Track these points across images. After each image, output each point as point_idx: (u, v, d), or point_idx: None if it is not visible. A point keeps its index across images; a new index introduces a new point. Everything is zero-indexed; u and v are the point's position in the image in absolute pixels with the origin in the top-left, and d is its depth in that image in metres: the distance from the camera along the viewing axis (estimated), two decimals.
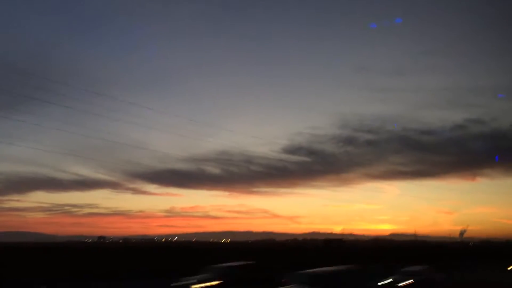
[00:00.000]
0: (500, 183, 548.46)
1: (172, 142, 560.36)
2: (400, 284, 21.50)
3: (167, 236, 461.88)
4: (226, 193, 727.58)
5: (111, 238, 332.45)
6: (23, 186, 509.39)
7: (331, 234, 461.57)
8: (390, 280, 21.60)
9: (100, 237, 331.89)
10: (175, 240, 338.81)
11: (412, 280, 21.90)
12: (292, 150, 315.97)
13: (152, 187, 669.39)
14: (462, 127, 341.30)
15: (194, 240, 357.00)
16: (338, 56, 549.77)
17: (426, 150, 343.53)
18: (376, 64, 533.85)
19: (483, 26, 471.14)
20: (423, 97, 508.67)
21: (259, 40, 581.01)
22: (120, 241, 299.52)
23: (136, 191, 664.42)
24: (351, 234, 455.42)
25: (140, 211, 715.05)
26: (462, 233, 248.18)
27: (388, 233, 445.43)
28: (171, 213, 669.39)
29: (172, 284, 19.78)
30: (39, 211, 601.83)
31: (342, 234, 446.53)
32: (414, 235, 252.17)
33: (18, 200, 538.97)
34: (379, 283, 19.80)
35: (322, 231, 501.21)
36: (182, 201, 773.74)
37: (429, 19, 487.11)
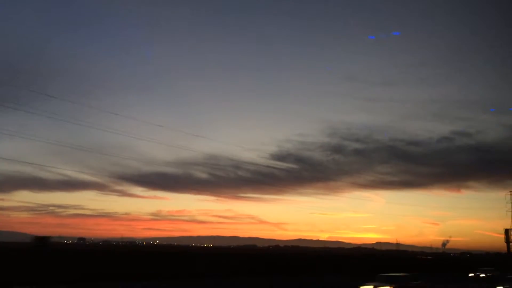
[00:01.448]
0: (484, 196, 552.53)
1: (160, 145, 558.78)
2: None
3: (153, 239, 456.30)
4: (213, 198, 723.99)
5: (91, 240, 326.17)
6: (7, 185, 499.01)
7: (317, 241, 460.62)
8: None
9: (80, 239, 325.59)
10: (156, 244, 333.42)
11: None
12: (280, 157, 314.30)
13: (138, 190, 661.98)
14: (448, 139, 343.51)
15: (176, 244, 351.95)
16: (328, 65, 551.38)
17: (413, 160, 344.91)
18: (366, 74, 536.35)
19: (471, 40, 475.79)
20: (411, 108, 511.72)
21: (250, 47, 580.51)
22: (101, 243, 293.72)
23: (122, 193, 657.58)
24: (337, 242, 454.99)
25: (126, 214, 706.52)
26: (444, 244, 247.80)
27: (373, 241, 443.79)
28: (157, 216, 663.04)
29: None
30: (23, 211, 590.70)
31: (328, 242, 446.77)
32: (396, 245, 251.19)
33: (2, 199, 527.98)
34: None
35: (308, 238, 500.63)
36: (169, 205, 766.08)
37: (418, 31, 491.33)
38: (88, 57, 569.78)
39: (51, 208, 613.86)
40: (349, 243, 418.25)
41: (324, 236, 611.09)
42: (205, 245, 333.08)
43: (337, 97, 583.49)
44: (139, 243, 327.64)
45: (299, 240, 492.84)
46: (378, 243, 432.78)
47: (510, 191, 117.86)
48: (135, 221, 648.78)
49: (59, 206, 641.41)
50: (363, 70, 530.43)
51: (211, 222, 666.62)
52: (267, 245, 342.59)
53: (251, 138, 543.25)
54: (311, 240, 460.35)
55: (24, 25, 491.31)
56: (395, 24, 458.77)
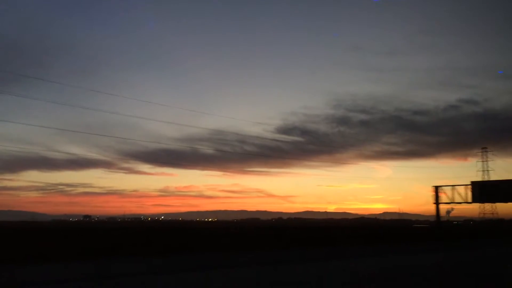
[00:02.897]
0: (491, 163, 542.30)
1: (166, 122, 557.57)
2: None
3: (162, 215, 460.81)
4: (220, 173, 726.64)
5: (96, 217, 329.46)
6: (16, 165, 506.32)
7: (325, 213, 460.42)
8: None
9: (86, 216, 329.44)
10: (161, 219, 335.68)
11: None
12: (286, 130, 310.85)
13: (146, 167, 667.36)
14: (455, 107, 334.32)
15: (180, 219, 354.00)
16: (332, 36, 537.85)
17: (419, 130, 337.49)
18: (370, 44, 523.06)
19: (477, 6, 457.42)
20: (417, 77, 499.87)
21: (254, 21, 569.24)
22: (106, 220, 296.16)
23: (130, 171, 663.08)
24: (344, 213, 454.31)
25: (134, 191, 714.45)
26: (449, 212, 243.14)
27: (381, 211, 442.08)
28: (165, 193, 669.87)
29: None
30: (32, 190, 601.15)
31: (335, 213, 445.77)
32: (399, 214, 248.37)
33: (11, 179, 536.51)
34: None
35: (316, 210, 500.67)
36: (176, 181, 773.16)
37: None
38: (92, 36, 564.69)
39: (60, 187, 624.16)
40: (356, 214, 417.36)
41: (331, 208, 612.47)
42: (210, 219, 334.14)
43: (342, 68, 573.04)
44: (144, 219, 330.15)
45: (307, 212, 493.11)
46: (385, 213, 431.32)
47: (482, 148, 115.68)
48: (144, 197, 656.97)
49: (67, 185, 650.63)
50: (368, 39, 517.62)
51: (219, 197, 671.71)
52: (276, 217, 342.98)
53: (256, 112, 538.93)
54: (319, 212, 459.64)
55: (24, 7, 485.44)
56: None
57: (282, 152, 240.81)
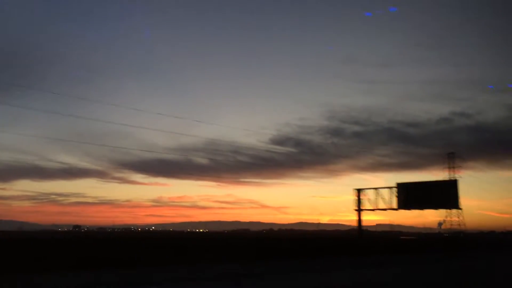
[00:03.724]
0: (483, 176, 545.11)
1: (160, 132, 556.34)
2: None
3: (155, 225, 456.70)
4: (214, 183, 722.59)
5: (86, 228, 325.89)
6: (8, 174, 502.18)
7: (318, 224, 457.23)
8: None
9: (75, 226, 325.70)
10: (152, 230, 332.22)
11: None
12: (280, 141, 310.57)
13: (139, 177, 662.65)
14: (447, 120, 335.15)
15: (171, 230, 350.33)
16: (326, 47, 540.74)
17: (412, 142, 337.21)
18: (364, 55, 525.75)
19: (470, 19, 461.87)
20: (410, 89, 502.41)
21: (248, 31, 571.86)
22: (95, 230, 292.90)
23: (123, 181, 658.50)
24: (337, 225, 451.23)
25: (127, 201, 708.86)
26: (440, 224, 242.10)
27: (374, 223, 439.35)
28: (158, 203, 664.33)
29: None
30: (24, 200, 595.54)
31: (328, 225, 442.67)
32: (390, 226, 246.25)
33: (2, 189, 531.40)
34: None
35: (309, 221, 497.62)
36: (170, 191, 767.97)
37: (417, 12, 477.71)
38: (85, 44, 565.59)
39: (52, 196, 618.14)
40: (349, 225, 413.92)
41: (325, 219, 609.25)
42: (201, 230, 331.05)
43: (336, 80, 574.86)
44: (134, 229, 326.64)
45: (300, 223, 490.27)
46: (377, 225, 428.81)
47: (449, 153, 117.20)
48: (137, 208, 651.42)
49: (60, 195, 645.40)
50: (361, 51, 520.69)
51: (212, 208, 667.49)
52: (269, 228, 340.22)
53: (250, 123, 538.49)
54: (312, 223, 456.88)
55: (16, 16, 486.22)
56: (394, 4, 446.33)
57: (276, 163, 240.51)
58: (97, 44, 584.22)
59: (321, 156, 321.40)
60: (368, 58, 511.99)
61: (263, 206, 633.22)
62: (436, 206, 36.60)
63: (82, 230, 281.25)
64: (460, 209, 32.29)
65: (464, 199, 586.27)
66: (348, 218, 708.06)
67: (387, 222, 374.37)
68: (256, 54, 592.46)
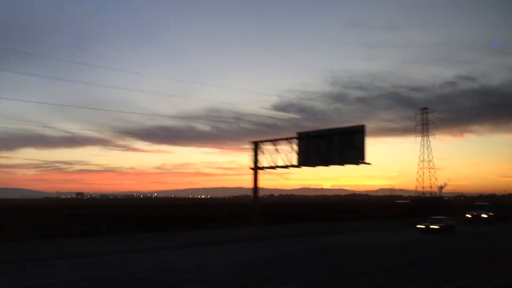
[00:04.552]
0: (487, 139, 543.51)
1: (161, 99, 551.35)
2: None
3: (160, 192, 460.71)
4: (217, 150, 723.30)
5: (89, 195, 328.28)
6: (12, 143, 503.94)
7: (321, 189, 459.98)
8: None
9: (78, 194, 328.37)
10: (154, 196, 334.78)
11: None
12: (282, 107, 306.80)
13: (142, 144, 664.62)
14: (452, 83, 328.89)
15: (172, 196, 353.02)
16: (328, 11, 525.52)
17: (416, 106, 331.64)
18: (367, 19, 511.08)
19: None
20: (413, 53, 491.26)
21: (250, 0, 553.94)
22: (98, 197, 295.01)
23: (126, 148, 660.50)
24: (340, 190, 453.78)
25: (131, 168, 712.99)
26: (441, 188, 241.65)
27: (377, 188, 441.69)
28: (162, 170, 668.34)
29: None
30: (29, 168, 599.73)
31: (331, 190, 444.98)
32: (390, 190, 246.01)
33: (7, 157, 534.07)
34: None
35: (311, 187, 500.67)
36: (173, 158, 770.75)
37: None
38: (83, 10, 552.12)
39: (56, 164, 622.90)
40: (351, 191, 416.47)
41: (327, 185, 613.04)
42: (203, 196, 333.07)
43: (338, 45, 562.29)
44: (136, 196, 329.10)
45: (303, 189, 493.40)
46: (380, 190, 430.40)
47: (422, 109, 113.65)
48: (141, 175, 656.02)
49: (64, 162, 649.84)
50: (364, 14, 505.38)
51: (216, 174, 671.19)
52: (269, 194, 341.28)
53: (253, 89, 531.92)
54: (315, 189, 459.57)
55: None
56: None
57: (278, 129, 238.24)
58: (93, 11, 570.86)
59: (324, 121, 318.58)
60: (371, 21, 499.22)
61: (266, 172, 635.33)
62: (340, 161, 27.76)
63: (85, 198, 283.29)
64: (367, 163, 24.56)
65: (468, 163, 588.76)
66: (351, 183, 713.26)
67: (389, 187, 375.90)
68: (258, 21, 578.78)
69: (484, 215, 41.42)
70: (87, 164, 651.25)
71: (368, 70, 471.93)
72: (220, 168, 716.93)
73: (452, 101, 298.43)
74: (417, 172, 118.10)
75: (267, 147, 30.50)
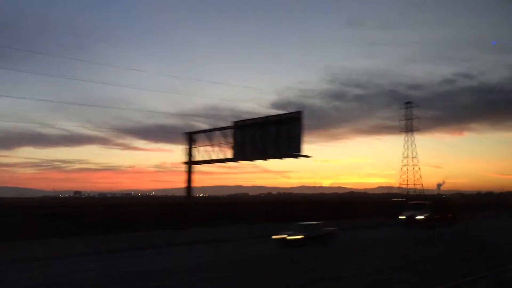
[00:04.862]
0: (486, 137, 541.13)
1: (161, 97, 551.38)
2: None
3: (159, 191, 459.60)
4: (216, 148, 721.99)
5: (87, 193, 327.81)
6: (11, 142, 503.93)
7: (320, 187, 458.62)
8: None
9: (76, 192, 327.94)
10: (152, 195, 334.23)
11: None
12: (281, 105, 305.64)
13: (141, 143, 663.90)
14: (450, 81, 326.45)
15: (171, 194, 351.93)
16: (327, 10, 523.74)
17: (414, 104, 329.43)
18: (366, 17, 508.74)
19: None
20: (411, 51, 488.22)
21: None
22: (96, 196, 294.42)
23: (125, 147, 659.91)
24: (339, 188, 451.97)
25: (130, 167, 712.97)
26: (439, 185, 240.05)
27: (376, 186, 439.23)
28: (161, 168, 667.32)
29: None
30: (28, 167, 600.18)
31: (330, 188, 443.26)
32: (388, 188, 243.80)
33: (6, 156, 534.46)
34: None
35: (311, 185, 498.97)
36: (172, 157, 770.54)
37: None
38: (80, 7, 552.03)
39: (55, 163, 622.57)
40: (350, 188, 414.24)
41: (327, 183, 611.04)
42: (201, 195, 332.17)
43: (337, 43, 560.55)
44: (134, 195, 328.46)
45: (302, 187, 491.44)
46: (380, 187, 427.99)
47: (406, 102, 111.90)
48: (140, 173, 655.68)
49: (63, 161, 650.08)
50: (362, 12, 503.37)
51: (215, 172, 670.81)
52: (273, 192, 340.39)
53: (252, 87, 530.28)
54: (314, 187, 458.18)
55: None
56: None
57: None
58: (91, 8, 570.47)
59: (322, 119, 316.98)
60: (369, 20, 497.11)
61: (265, 171, 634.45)
62: (276, 154, 24.68)
63: (83, 196, 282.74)
64: (306, 156, 21.53)
65: (467, 160, 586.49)
66: (351, 181, 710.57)
67: (389, 185, 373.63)
68: (257, 19, 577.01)
69: (419, 217, 33.91)
70: (87, 162, 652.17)
71: (366, 68, 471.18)
72: (220, 166, 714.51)
73: (450, 99, 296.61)
74: (401, 168, 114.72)
75: (204, 139, 28.38)
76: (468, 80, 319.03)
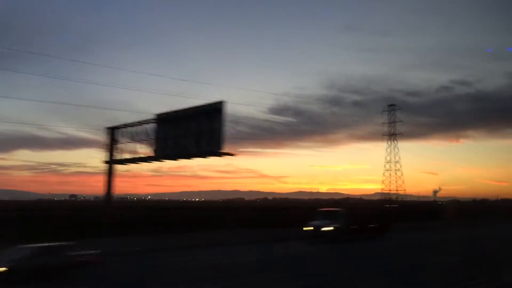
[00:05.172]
0: (483, 145, 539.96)
1: (157, 101, 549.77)
2: None
3: (156, 195, 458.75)
4: (143, 146, 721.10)
5: (83, 197, 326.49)
6: (8, 145, 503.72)
7: (317, 193, 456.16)
8: None
9: (72, 196, 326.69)
10: (148, 199, 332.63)
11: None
12: (279, 110, 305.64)
13: (138, 146, 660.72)
14: (447, 88, 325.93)
15: (167, 198, 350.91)
16: (325, 16, 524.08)
17: (412, 111, 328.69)
18: (363, 23, 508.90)
19: None
20: (409, 58, 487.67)
21: (247, 2, 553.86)
22: (92, 199, 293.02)
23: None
24: (336, 193, 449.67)
25: (127, 170, 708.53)
26: (435, 192, 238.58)
27: (372, 192, 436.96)
28: (158, 173, 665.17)
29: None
30: (24, 170, 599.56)
31: (327, 194, 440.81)
32: (381, 194, 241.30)
33: (3, 159, 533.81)
34: None
35: (308, 190, 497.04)
36: (169, 161, 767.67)
37: None
38: (79, 9, 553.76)
39: (52, 166, 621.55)
40: (347, 194, 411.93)
41: (323, 188, 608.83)
42: (196, 199, 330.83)
43: (335, 49, 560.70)
44: (130, 199, 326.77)
45: (299, 192, 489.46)
46: (377, 193, 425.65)
47: (389, 105, 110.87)
48: (137, 177, 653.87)
49: (60, 164, 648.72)
50: (360, 19, 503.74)
51: (212, 177, 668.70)
52: (270, 197, 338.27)
53: (249, 92, 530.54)
54: (311, 193, 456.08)
55: None
56: None
57: (275, 133, 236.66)
58: (91, 11, 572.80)
59: (320, 125, 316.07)
60: (367, 26, 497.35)
61: (262, 176, 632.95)
62: (198, 152, 22.06)
63: (79, 199, 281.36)
64: (229, 154, 21.16)
65: (464, 167, 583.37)
66: (347, 187, 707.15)
67: (385, 191, 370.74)
68: (255, 24, 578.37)
69: (325, 228, 26.59)
70: (84, 166, 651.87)
71: (364, 74, 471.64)
72: (217, 171, 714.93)
73: (447, 106, 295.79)
74: (383, 174, 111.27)
75: (129, 136, 26.26)
76: (465, 87, 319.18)
